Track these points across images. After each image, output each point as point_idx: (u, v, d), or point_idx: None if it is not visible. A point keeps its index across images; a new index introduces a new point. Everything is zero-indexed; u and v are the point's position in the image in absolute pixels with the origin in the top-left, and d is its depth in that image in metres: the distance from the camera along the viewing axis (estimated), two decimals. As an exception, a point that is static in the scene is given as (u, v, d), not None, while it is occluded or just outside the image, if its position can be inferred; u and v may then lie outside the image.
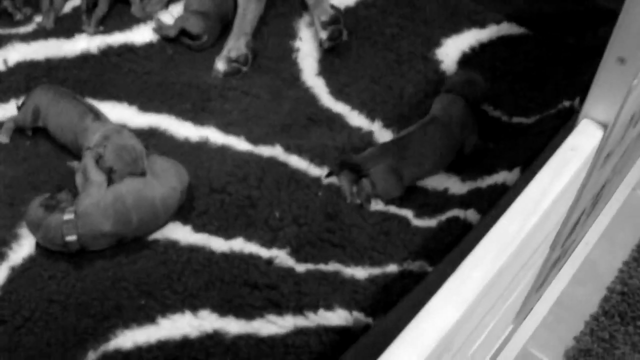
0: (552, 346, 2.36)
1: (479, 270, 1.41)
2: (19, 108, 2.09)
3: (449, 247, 1.83)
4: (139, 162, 1.90)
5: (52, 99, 2.06)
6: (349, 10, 2.44)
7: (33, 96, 2.09)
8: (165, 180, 1.89)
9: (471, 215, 1.90)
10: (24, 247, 1.87)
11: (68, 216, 1.81)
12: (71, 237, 1.81)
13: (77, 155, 2.01)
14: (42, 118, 2.06)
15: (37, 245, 1.86)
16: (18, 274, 1.82)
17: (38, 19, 2.39)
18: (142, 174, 1.90)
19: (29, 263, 1.84)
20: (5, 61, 2.27)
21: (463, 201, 1.95)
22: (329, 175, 1.99)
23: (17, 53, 2.29)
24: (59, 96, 2.07)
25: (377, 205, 1.96)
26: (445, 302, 1.37)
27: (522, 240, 1.48)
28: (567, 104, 2.11)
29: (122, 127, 2.01)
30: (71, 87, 2.16)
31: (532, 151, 1.96)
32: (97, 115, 2.03)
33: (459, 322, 1.36)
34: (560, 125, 1.98)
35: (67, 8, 2.43)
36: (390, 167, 1.95)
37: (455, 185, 2.02)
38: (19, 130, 2.10)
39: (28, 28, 2.38)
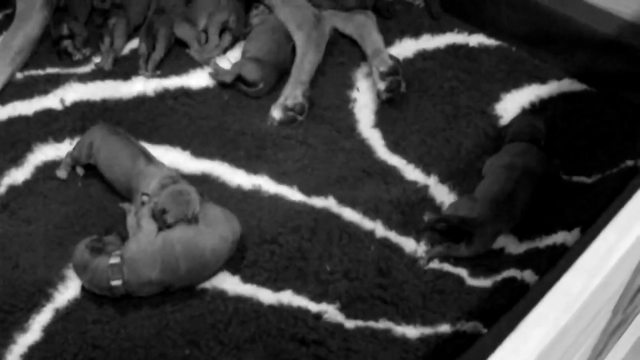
0: (608, 416, 2.28)
1: (541, 328, 1.35)
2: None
3: (504, 308, 1.77)
4: (191, 204, 1.88)
5: (106, 136, 2.07)
6: (406, 62, 2.41)
7: (90, 132, 2.10)
8: (217, 230, 1.86)
9: (528, 276, 1.85)
10: (70, 289, 1.86)
11: (114, 260, 1.80)
12: (116, 282, 1.79)
13: (125, 195, 2.01)
14: (94, 154, 2.06)
15: (83, 288, 1.84)
16: (62, 316, 1.81)
17: (96, 59, 2.41)
18: (195, 220, 1.87)
19: (74, 306, 1.83)
20: (62, 100, 2.28)
21: (520, 261, 1.90)
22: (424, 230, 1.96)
23: (74, 93, 2.30)
24: (112, 135, 2.07)
25: (431, 263, 1.92)
26: (504, 361, 1.31)
27: (586, 299, 1.42)
28: (630, 163, 2.06)
29: (178, 174, 2.00)
30: (126, 129, 2.15)
31: (593, 211, 1.90)
32: (149, 159, 2.02)
33: (519, 384, 1.30)
34: (622, 185, 1.92)
35: (126, 50, 2.45)
36: (499, 231, 1.93)
37: (512, 245, 1.96)
38: (72, 171, 2.10)
39: (86, 68, 2.39)
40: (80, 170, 2.09)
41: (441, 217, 1.97)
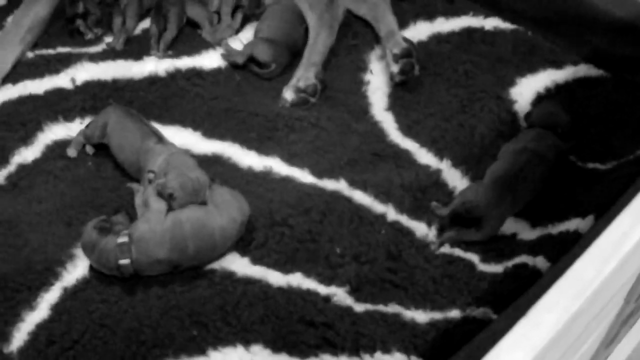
0: (618, 406, 2.26)
1: (552, 314, 1.34)
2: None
3: (515, 294, 1.75)
4: (200, 192, 1.88)
5: (120, 116, 2.06)
6: (421, 45, 2.39)
7: (104, 113, 2.09)
8: (226, 211, 1.85)
9: (540, 262, 1.83)
10: (78, 268, 1.85)
11: (122, 239, 1.79)
12: (124, 261, 1.78)
13: (135, 177, 2.00)
14: (107, 135, 2.05)
15: (92, 267, 1.84)
16: (70, 295, 1.81)
17: (108, 39, 2.40)
18: (203, 203, 1.86)
19: (83, 285, 1.82)
20: (73, 80, 2.27)
21: (532, 247, 1.88)
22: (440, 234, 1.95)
23: (86, 72, 2.29)
24: (126, 116, 2.06)
25: (442, 248, 1.90)
26: (515, 346, 1.29)
27: (598, 286, 1.40)
28: (644, 149, 2.03)
29: (185, 152, 1.99)
30: (137, 109, 2.14)
31: (607, 198, 1.87)
32: (160, 139, 2.01)
33: (528, 369, 1.29)
34: (638, 172, 1.90)
35: (138, 30, 2.43)
36: (504, 212, 1.92)
37: (525, 231, 1.95)
38: (82, 150, 2.09)
39: (98, 48, 2.38)
40: (90, 149, 2.09)
41: (450, 212, 1.94)
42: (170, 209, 1.86)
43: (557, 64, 2.35)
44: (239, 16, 2.42)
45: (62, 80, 2.27)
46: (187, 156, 1.98)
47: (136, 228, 1.82)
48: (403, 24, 2.42)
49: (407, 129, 2.18)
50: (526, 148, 2.02)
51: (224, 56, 2.34)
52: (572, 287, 1.38)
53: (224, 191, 1.90)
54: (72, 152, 2.09)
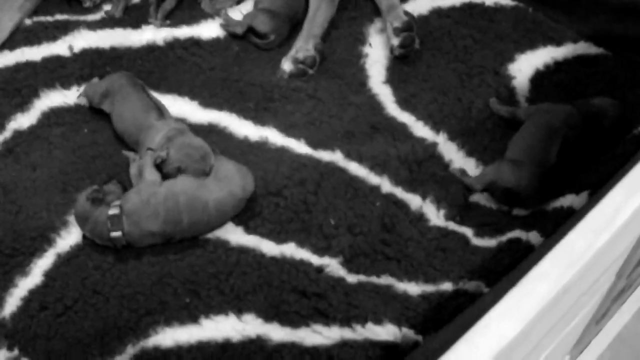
0: (608, 382, 2.27)
1: (543, 284, 1.33)
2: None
3: (507, 268, 1.76)
4: (207, 159, 1.87)
5: (123, 85, 2.05)
6: (421, 19, 2.38)
7: (108, 78, 2.09)
8: (226, 185, 1.83)
9: (533, 237, 1.82)
10: (72, 234, 1.85)
11: (113, 211, 1.78)
12: (116, 233, 1.77)
13: (132, 147, 2.00)
14: (108, 102, 2.05)
15: (85, 236, 1.83)
16: (64, 261, 1.80)
17: (107, 7, 2.39)
18: (208, 174, 1.86)
19: (76, 251, 1.82)
20: (71, 47, 2.26)
21: (526, 222, 1.88)
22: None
23: (83, 40, 2.28)
24: (130, 85, 2.06)
25: (437, 220, 1.90)
26: (505, 315, 1.29)
27: (590, 258, 1.40)
28: (641, 129, 2.02)
29: (185, 128, 1.98)
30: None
31: (602, 175, 1.87)
32: (162, 113, 2.01)
33: (517, 338, 1.28)
34: (634, 151, 1.89)
35: (136, -2, 2.42)
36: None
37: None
38: (79, 118, 2.09)
39: (96, 16, 2.37)
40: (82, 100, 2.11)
41: (486, 186, 1.95)
42: (165, 178, 1.85)
43: (557, 41, 2.34)
44: (239, -13, 2.40)
45: (60, 47, 2.26)
46: (186, 129, 1.97)
47: (127, 199, 1.81)
48: (404, -3, 2.41)
49: (404, 102, 2.17)
50: (555, 125, 2.02)
51: (223, 26, 2.33)
52: (564, 258, 1.38)
53: (228, 164, 1.89)
54: (82, 100, 2.11)
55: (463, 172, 1.99)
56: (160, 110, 2.02)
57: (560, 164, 1.99)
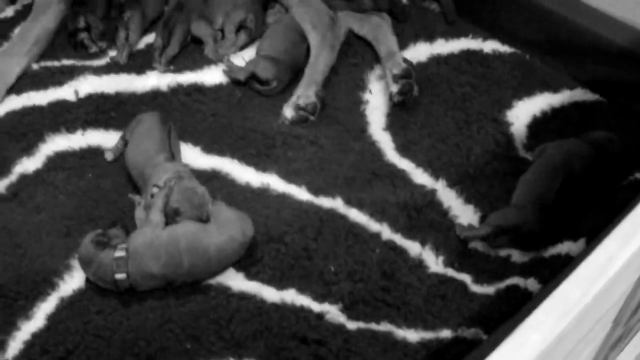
0: None
1: (537, 334, 1.35)
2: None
3: (506, 315, 1.77)
4: (204, 208, 1.89)
5: (153, 122, 2.09)
6: (420, 66, 2.41)
7: (140, 117, 2.13)
8: (226, 230, 1.85)
9: (531, 284, 1.84)
10: (75, 278, 1.86)
11: (119, 253, 1.80)
12: (121, 275, 1.79)
13: (135, 183, 2.03)
14: (130, 131, 2.10)
15: (88, 279, 1.85)
16: (67, 305, 1.82)
17: (112, 53, 2.42)
18: (206, 220, 1.88)
19: (79, 295, 1.84)
20: (76, 92, 2.29)
21: (524, 269, 1.90)
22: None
23: (89, 85, 2.31)
24: (159, 123, 2.09)
25: (436, 266, 1.92)
26: (499, 366, 1.31)
27: (585, 307, 1.41)
28: (638, 176, 2.05)
29: (190, 174, 2.00)
30: (138, 123, 2.16)
31: (599, 222, 1.89)
32: (172, 156, 2.04)
33: (515, 388, 1.30)
34: (630, 198, 1.92)
35: (141, 44, 2.46)
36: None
37: (517, 253, 1.96)
38: (83, 162, 2.12)
39: (101, 61, 2.40)
40: (109, 155, 2.12)
41: (495, 229, 1.96)
42: (167, 223, 1.88)
43: (554, 88, 2.37)
44: (243, 34, 2.43)
45: (66, 92, 2.29)
46: (192, 176, 1.99)
47: (132, 241, 1.83)
48: (403, 44, 2.44)
49: (403, 149, 2.19)
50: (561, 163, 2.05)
51: (226, 72, 2.36)
52: (558, 307, 1.39)
53: (227, 210, 1.91)
54: (109, 155, 2.12)
55: (469, 227, 2.01)
56: (172, 154, 2.05)
57: (566, 198, 2.03)
